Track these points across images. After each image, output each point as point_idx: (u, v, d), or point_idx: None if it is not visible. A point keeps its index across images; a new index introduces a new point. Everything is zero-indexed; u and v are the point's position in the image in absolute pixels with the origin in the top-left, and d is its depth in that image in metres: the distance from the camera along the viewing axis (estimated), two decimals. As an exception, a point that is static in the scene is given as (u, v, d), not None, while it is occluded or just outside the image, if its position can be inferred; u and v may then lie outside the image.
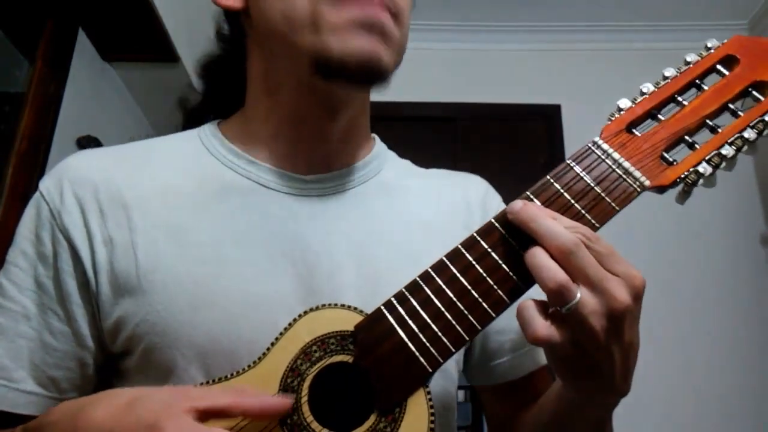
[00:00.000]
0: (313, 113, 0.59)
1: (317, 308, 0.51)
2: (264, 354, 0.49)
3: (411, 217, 0.63)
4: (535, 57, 2.81)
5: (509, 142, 2.70)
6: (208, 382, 0.49)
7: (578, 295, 0.42)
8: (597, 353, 0.43)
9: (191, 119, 0.70)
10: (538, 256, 0.44)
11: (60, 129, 1.73)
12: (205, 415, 0.42)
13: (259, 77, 0.62)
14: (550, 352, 0.47)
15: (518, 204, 0.47)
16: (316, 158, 0.62)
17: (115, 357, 0.56)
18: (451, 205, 0.67)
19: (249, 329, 0.52)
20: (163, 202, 0.57)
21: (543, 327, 0.43)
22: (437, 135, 2.64)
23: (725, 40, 0.54)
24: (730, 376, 2.28)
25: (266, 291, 0.54)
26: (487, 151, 2.67)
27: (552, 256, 0.43)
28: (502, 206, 0.70)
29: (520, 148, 2.69)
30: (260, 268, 0.55)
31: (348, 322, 0.50)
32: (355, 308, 0.51)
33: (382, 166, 0.68)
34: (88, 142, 1.81)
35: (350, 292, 0.56)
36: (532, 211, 0.46)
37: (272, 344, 0.50)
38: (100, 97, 1.97)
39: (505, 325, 0.63)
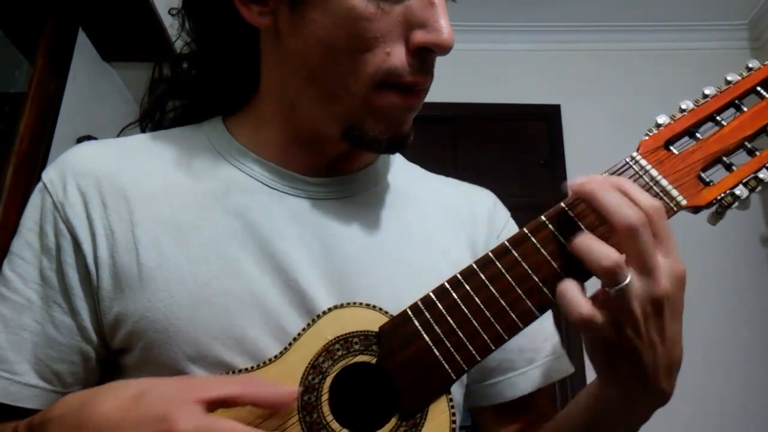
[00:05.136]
0: (330, 136, 0.58)
1: (342, 306, 0.51)
2: (285, 349, 0.50)
3: (413, 227, 0.63)
4: (535, 57, 2.81)
5: (509, 142, 2.71)
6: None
7: (629, 277, 0.43)
8: (638, 339, 0.44)
9: (156, 105, 0.68)
10: (588, 238, 0.45)
11: (60, 129, 1.72)
12: (214, 405, 0.42)
13: (276, 93, 0.60)
14: (589, 337, 0.46)
15: (581, 178, 0.47)
16: (323, 162, 0.61)
17: (115, 352, 0.56)
18: (457, 218, 0.66)
19: (250, 328, 0.52)
20: (166, 198, 0.57)
21: (587, 307, 0.43)
22: (437, 135, 2.64)
23: (766, 62, 0.54)
24: (730, 376, 2.28)
25: (267, 291, 0.54)
26: (487, 151, 2.67)
27: (618, 232, 0.44)
28: (510, 222, 0.70)
29: (520, 148, 2.70)
30: (261, 268, 0.55)
31: (373, 322, 0.50)
32: (380, 309, 0.51)
33: (389, 172, 0.67)
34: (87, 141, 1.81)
35: (344, 298, 0.55)
36: (598, 183, 0.45)
37: (294, 340, 0.50)
38: (100, 97, 1.97)
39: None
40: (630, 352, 0.44)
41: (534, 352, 0.63)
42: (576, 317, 0.43)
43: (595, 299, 0.44)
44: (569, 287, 0.44)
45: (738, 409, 2.24)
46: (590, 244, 0.44)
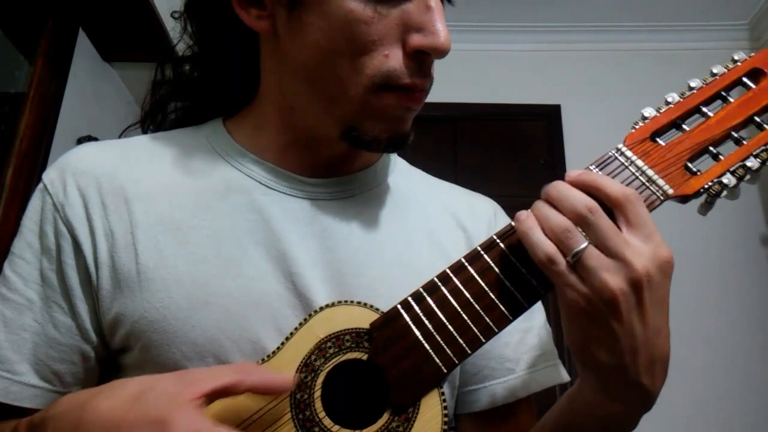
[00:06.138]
0: (328, 138, 0.59)
1: (334, 304, 0.51)
2: (278, 348, 0.50)
3: (413, 228, 0.63)
4: (535, 57, 2.81)
5: (509, 142, 2.71)
6: None
7: (584, 243, 0.44)
8: (615, 321, 0.43)
9: (156, 107, 0.69)
10: (540, 207, 0.46)
11: (60, 129, 1.73)
12: (212, 397, 0.42)
13: (275, 95, 0.60)
14: (566, 310, 0.46)
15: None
16: (322, 163, 0.62)
17: (114, 352, 0.56)
18: (456, 222, 0.66)
19: (248, 328, 0.53)
20: (166, 198, 0.57)
21: (550, 246, 0.45)
22: (437, 135, 2.64)
23: (752, 54, 0.54)
24: (730, 376, 2.28)
25: (265, 291, 0.54)
26: (487, 151, 2.67)
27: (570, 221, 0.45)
28: None
29: (520, 148, 2.70)
30: (260, 268, 0.55)
31: (364, 319, 0.50)
32: (371, 306, 0.51)
33: (390, 174, 0.67)
34: (88, 142, 1.81)
35: (342, 298, 0.55)
36: (555, 183, 0.47)
37: (287, 339, 0.50)
38: (100, 97, 1.97)
39: (484, 350, 0.61)
40: (607, 333, 0.44)
41: (515, 362, 0.63)
42: (540, 257, 0.45)
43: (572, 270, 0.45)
44: (531, 227, 0.46)
45: (738, 409, 2.24)
46: (546, 213, 0.46)
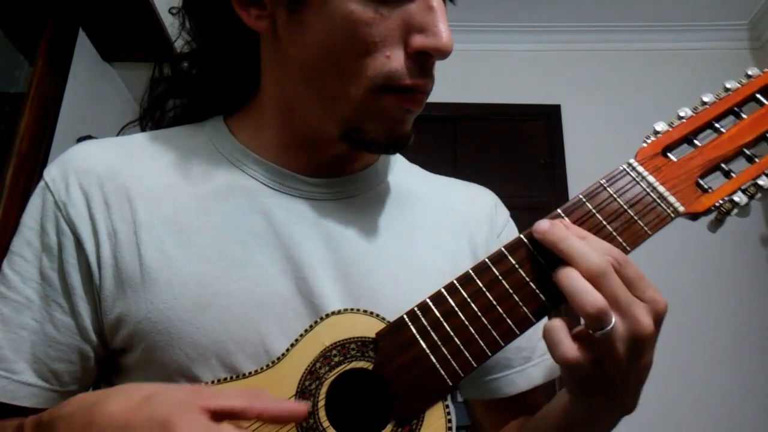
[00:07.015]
0: (329, 138, 0.58)
1: (339, 312, 0.51)
2: (283, 354, 0.50)
3: (415, 226, 0.63)
4: (535, 57, 2.81)
5: (509, 142, 2.71)
6: (226, 379, 0.50)
7: (613, 320, 0.43)
8: (617, 375, 0.45)
9: (156, 103, 0.68)
10: (575, 279, 0.44)
11: (60, 129, 1.73)
12: (220, 416, 0.42)
13: (275, 95, 0.60)
14: (569, 370, 0.46)
15: (545, 223, 0.48)
16: (323, 163, 0.61)
17: (115, 352, 0.56)
18: (458, 217, 0.66)
19: (252, 330, 0.52)
20: (168, 199, 0.57)
21: (572, 349, 0.44)
22: (437, 135, 2.64)
23: (766, 69, 0.54)
24: (730, 376, 2.28)
25: (269, 292, 0.54)
26: (487, 151, 2.67)
27: (587, 278, 0.44)
28: (509, 222, 0.71)
29: (520, 148, 2.70)
30: (263, 269, 0.55)
31: (369, 328, 0.50)
32: (377, 315, 0.51)
33: (390, 173, 0.67)
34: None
35: (349, 299, 0.56)
36: (561, 231, 0.46)
37: (292, 345, 0.50)
38: (100, 97, 1.97)
39: None
40: (607, 386, 0.46)
41: (530, 350, 0.64)
42: (560, 358, 0.44)
43: (579, 338, 0.44)
44: (556, 326, 0.45)
45: (738, 409, 2.24)
46: (576, 286, 0.44)
